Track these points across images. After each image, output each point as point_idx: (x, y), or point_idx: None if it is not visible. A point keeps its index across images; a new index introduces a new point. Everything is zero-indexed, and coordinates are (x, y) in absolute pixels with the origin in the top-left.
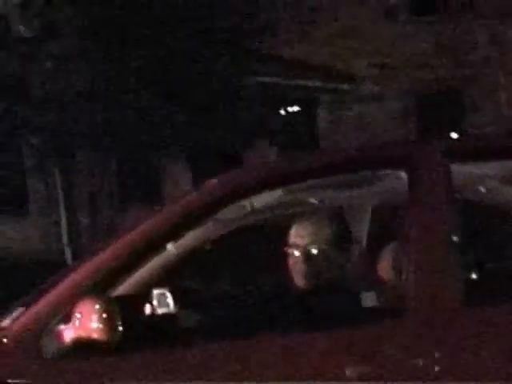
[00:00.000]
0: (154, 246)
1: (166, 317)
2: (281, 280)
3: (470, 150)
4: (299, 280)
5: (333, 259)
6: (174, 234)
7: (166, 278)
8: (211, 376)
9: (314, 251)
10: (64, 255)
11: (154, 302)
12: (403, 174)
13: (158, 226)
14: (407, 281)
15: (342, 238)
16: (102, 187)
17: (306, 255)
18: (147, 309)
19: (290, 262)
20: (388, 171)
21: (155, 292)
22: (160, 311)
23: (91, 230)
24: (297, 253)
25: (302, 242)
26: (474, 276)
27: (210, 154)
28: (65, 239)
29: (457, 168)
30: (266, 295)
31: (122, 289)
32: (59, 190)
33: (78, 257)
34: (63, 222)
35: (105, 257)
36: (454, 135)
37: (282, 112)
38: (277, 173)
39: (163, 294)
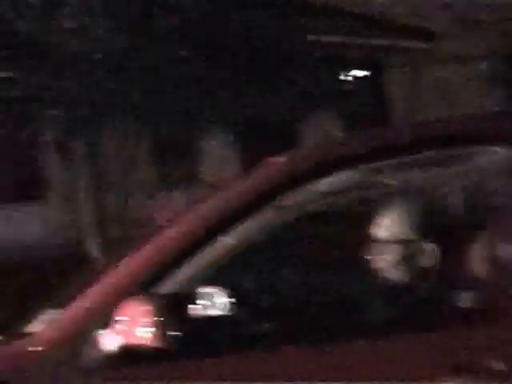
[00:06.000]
0: (205, 237)
1: (219, 319)
2: (357, 276)
3: None
4: (380, 277)
5: (417, 252)
6: (228, 223)
7: (217, 275)
8: None
9: (396, 244)
10: (85, 248)
11: (204, 302)
12: (501, 151)
13: (209, 215)
14: (506, 277)
15: (426, 226)
16: (133, 169)
17: (389, 249)
18: (195, 310)
19: (371, 257)
20: (481, 147)
21: (205, 291)
22: (211, 312)
23: (120, 219)
24: (378, 246)
25: (381, 234)
26: None
27: (258, 130)
28: (89, 230)
29: None
30: (339, 294)
31: (164, 287)
32: (82, 173)
33: (106, 250)
34: (86, 210)
35: (149, 251)
36: None
37: (345, 77)
38: (349, 151)
39: (214, 294)
